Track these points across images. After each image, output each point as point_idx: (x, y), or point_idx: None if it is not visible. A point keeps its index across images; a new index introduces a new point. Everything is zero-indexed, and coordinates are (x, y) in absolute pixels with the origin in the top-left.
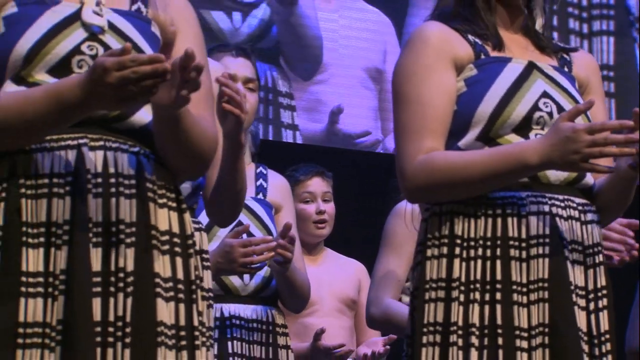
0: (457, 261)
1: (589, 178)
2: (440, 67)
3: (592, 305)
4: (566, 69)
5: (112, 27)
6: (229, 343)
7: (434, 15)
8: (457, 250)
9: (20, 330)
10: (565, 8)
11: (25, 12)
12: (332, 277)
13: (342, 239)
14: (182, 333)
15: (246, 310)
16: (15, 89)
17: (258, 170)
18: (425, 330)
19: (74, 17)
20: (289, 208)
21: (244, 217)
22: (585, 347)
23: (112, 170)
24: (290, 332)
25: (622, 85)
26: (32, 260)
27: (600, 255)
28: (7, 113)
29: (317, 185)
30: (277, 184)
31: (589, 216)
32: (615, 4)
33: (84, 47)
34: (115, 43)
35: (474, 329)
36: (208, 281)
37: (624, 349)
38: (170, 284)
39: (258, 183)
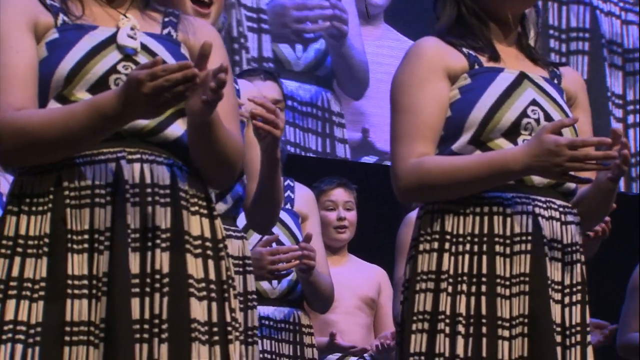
0: (446, 255)
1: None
2: (434, 78)
3: (566, 300)
4: (556, 81)
5: (145, 48)
6: (259, 341)
7: (432, 32)
8: (447, 245)
9: (68, 328)
10: (547, 30)
11: (66, 37)
12: (352, 277)
13: (367, 247)
14: (215, 329)
15: (275, 312)
16: (58, 107)
17: (285, 183)
18: (414, 318)
19: (110, 41)
20: (314, 217)
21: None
22: (558, 338)
23: (148, 180)
24: (314, 328)
25: (593, 99)
26: (77, 264)
27: (578, 254)
28: (53, 125)
29: (339, 194)
30: (303, 195)
31: (569, 217)
32: (590, 28)
33: (119, 67)
34: (145, 61)
35: (460, 318)
36: (251, 284)
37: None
38: (203, 285)
39: (286, 194)
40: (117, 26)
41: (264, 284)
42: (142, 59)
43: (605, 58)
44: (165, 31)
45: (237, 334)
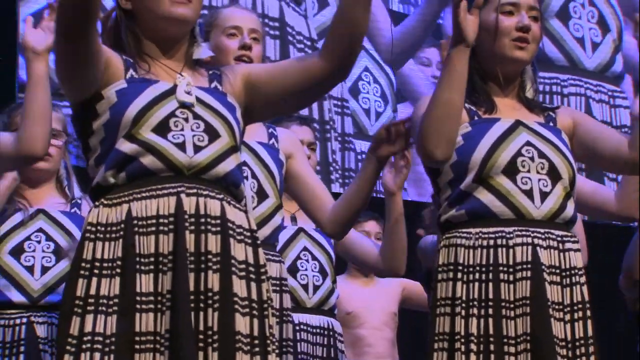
0: (459, 283)
1: (568, 212)
2: None
3: (567, 317)
4: (551, 124)
5: (199, 100)
6: (298, 344)
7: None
8: (459, 275)
9: (137, 338)
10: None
11: (133, 87)
12: (380, 296)
13: None
14: (256, 342)
15: (311, 319)
16: (128, 145)
17: (269, 131)
18: (436, 338)
19: (170, 92)
20: (300, 154)
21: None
22: (563, 352)
23: (202, 212)
24: (345, 341)
25: None
26: (145, 283)
27: (577, 277)
28: None
29: (372, 226)
30: (285, 136)
31: (567, 245)
32: None
33: (177, 112)
34: (202, 111)
35: (472, 338)
36: (287, 302)
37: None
38: (246, 302)
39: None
40: (175, 83)
41: (302, 294)
42: (199, 109)
43: None
44: (212, 85)
45: (274, 347)
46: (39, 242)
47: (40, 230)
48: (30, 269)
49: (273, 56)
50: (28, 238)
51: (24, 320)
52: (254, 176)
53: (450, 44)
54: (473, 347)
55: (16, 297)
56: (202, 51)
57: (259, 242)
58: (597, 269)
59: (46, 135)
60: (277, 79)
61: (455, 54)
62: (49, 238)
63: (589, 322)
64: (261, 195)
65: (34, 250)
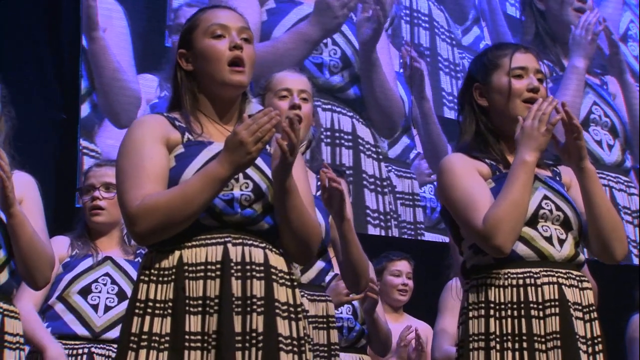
0: (492, 320)
1: (581, 256)
2: (474, 173)
3: (590, 350)
4: (558, 178)
5: None
6: None
7: (456, 149)
8: (492, 312)
9: None
10: None
11: (190, 151)
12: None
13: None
14: None
15: (345, 357)
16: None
17: None
18: None
19: None
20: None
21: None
22: None
23: (247, 260)
24: None
25: None
26: (193, 323)
27: (594, 313)
28: (174, 196)
29: (403, 265)
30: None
31: (584, 284)
32: None
33: None
34: (251, 172)
35: None
36: (334, 337)
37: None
38: (289, 341)
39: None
40: None
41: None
42: (249, 170)
43: None
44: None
45: None
46: (104, 284)
47: (107, 274)
48: (95, 307)
49: None
50: (95, 280)
51: (86, 350)
52: None
53: (527, 149)
54: None
55: (80, 330)
56: (253, 107)
57: (296, 283)
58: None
59: (39, 269)
60: None
61: (535, 161)
62: (113, 282)
63: (606, 354)
64: None
65: (99, 292)
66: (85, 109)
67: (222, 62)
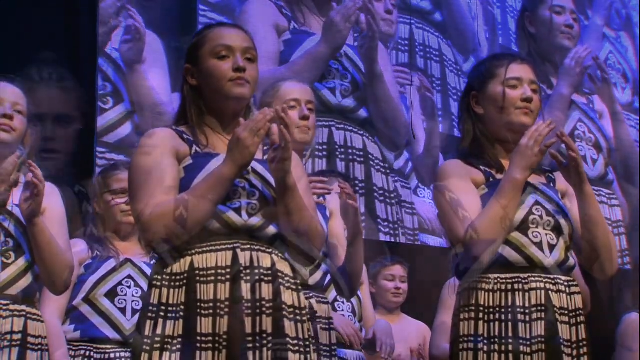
0: (481, 322)
1: (570, 261)
2: (467, 183)
3: (575, 352)
4: (552, 185)
5: (254, 171)
6: None
7: (455, 155)
8: (481, 315)
9: None
10: None
11: (198, 162)
12: (405, 332)
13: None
14: None
15: (348, 354)
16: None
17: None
18: None
19: None
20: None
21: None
22: None
23: (255, 264)
24: None
25: None
26: (205, 325)
27: (581, 317)
28: (182, 200)
29: (397, 270)
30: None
31: (572, 289)
32: None
33: (236, 182)
34: (256, 181)
35: None
36: (334, 338)
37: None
38: (296, 342)
39: None
40: None
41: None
42: (253, 179)
43: None
44: (266, 156)
45: None
46: (129, 287)
47: (130, 277)
48: (123, 311)
49: None
50: (120, 283)
51: (117, 355)
52: None
53: (518, 167)
54: None
55: (111, 334)
56: None
57: (300, 287)
58: None
59: (58, 274)
60: None
61: (524, 179)
62: (136, 284)
63: (589, 356)
64: None
65: (125, 295)
66: (127, 128)
67: (224, 81)
